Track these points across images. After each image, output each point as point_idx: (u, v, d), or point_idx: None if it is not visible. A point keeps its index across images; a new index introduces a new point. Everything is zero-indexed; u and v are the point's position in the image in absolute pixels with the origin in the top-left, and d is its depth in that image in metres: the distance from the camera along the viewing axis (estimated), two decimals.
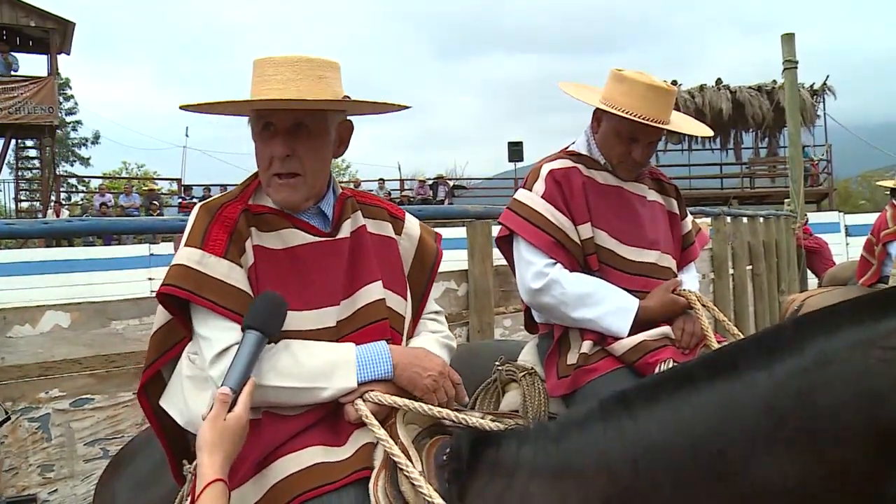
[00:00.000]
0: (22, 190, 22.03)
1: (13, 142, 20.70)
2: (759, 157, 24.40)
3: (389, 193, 22.10)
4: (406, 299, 1.88)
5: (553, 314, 2.34)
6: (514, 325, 4.44)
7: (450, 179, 25.00)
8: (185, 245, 1.69)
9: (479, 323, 4.18)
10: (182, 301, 1.67)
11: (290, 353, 1.64)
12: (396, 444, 1.55)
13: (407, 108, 1.84)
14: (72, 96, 34.34)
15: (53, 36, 19.37)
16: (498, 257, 4.19)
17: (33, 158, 21.98)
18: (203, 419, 1.48)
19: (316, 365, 1.64)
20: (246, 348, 1.54)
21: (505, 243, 2.48)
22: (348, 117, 1.84)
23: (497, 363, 2.38)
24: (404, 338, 1.84)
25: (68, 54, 20.94)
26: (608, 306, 2.25)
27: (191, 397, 1.71)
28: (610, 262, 2.33)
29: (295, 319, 1.67)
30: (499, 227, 2.52)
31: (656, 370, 2.14)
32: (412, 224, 1.99)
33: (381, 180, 23.33)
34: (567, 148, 2.49)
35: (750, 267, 8.52)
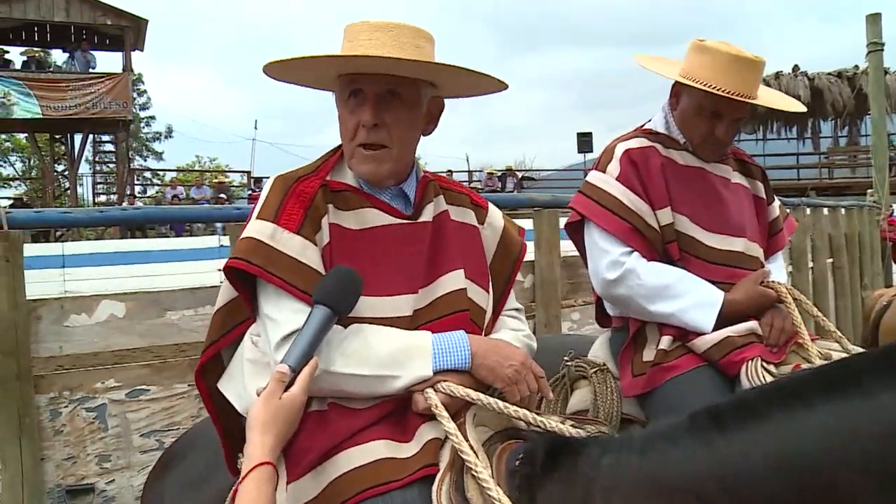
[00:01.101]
0: (98, 183, 22.68)
1: (90, 137, 21.32)
2: (839, 147, 23.48)
3: None
4: (488, 292, 1.75)
5: (629, 307, 2.14)
6: (583, 318, 4.29)
7: (518, 171, 24.82)
8: (258, 218, 1.58)
9: (545, 316, 4.04)
10: (249, 277, 1.56)
11: (362, 338, 1.52)
12: (465, 442, 1.41)
13: (506, 86, 1.70)
14: (145, 91, 35.24)
15: (128, 33, 19.84)
16: (566, 248, 4.08)
17: (109, 153, 22.60)
18: (258, 395, 1.37)
19: (389, 351, 1.51)
20: (312, 325, 1.42)
21: (575, 230, 2.28)
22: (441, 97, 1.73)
23: (565, 358, 2.19)
24: (483, 333, 1.70)
25: (142, 51, 21.46)
26: (690, 299, 2.05)
27: (251, 382, 1.59)
28: (692, 251, 2.12)
29: (369, 305, 1.55)
30: (567, 216, 2.34)
31: (742, 370, 1.94)
32: (495, 214, 1.86)
33: (449, 171, 23.21)
34: (643, 126, 2.29)
35: (831, 260, 8.13)
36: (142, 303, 3.06)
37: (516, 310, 1.87)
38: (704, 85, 2.04)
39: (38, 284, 11.98)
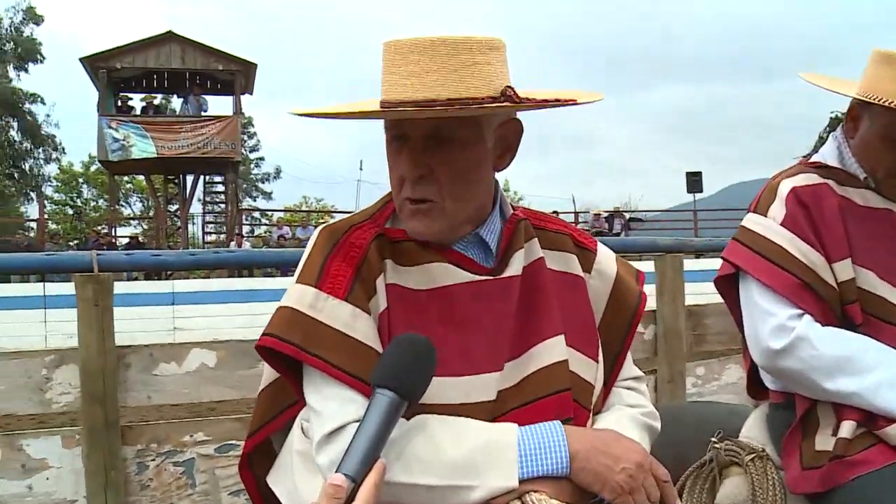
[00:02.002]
0: (208, 223, 23.49)
1: (202, 178, 22.14)
2: None
3: None
4: (597, 361, 1.38)
5: (800, 383, 1.73)
6: (707, 373, 3.92)
7: (625, 212, 24.29)
8: (297, 281, 1.29)
9: (668, 372, 3.67)
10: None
11: (427, 435, 1.19)
12: None
13: (599, 98, 1.34)
14: (254, 134, 36.67)
15: (238, 78, 20.61)
16: (691, 292, 3.74)
17: (220, 193, 23.39)
18: None
19: (463, 454, 1.18)
20: (373, 417, 1.08)
21: (728, 285, 1.88)
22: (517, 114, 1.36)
23: (713, 439, 1.81)
24: (591, 414, 1.35)
25: (251, 94, 22.21)
26: (880, 375, 1.62)
27: (301, 479, 1.32)
28: (880, 314, 1.70)
29: (439, 389, 1.21)
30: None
31: None
32: (606, 257, 1.48)
33: (556, 213, 22.78)
34: (809, 158, 1.91)
35: None
36: (233, 352, 2.90)
37: (635, 379, 1.50)
38: None
39: (149, 321, 12.57)
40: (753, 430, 1.90)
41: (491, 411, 1.24)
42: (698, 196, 22.93)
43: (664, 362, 3.65)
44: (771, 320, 1.70)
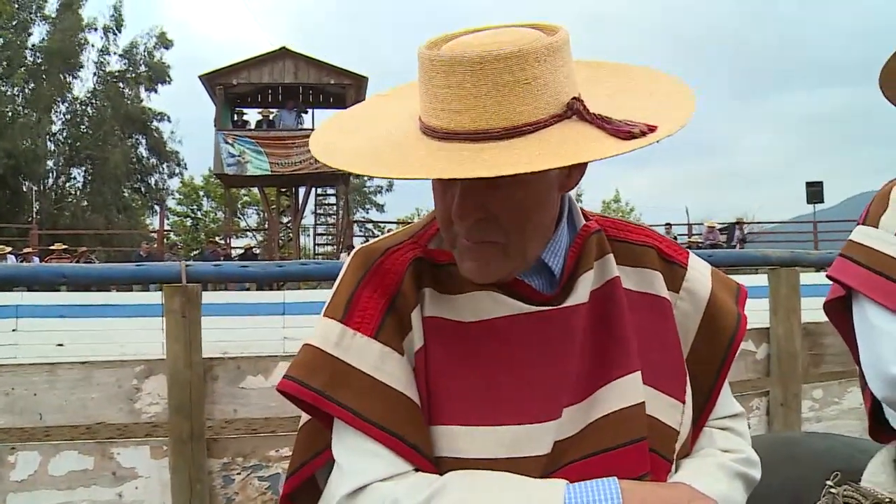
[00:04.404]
0: (320, 234, 24.02)
1: (314, 190, 22.64)
2: None
3: (675, 238, 21.12)
4: (683, 401, 1.14)
5: None
6: (827, 396, 3.62)
7: (744, 224, 23.34)
8: (324, 314, 1.11)
9: (782, 394, 3.42)
10: None
11: (457, 497, 0.99)
12: None
13: (688, 116, 1.01)
14: None
15: (349, 91, 20.94)
16: (808, 307, 3.44)
17: (332, 205, 23.89)
18: None
19: None
20: None
21: (838, 309, 1.63)
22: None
23: (829, 483, 1.57)
24: (673, 465, 1.12)
25: None
26: None
27: None
28: None
29: (483, 442, 1.03)
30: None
31: None
32: (700, 274, 1.23)
33: (668, 225, 22.06)
34: None
35: None
36: None
37: (732, 417, 1.26)
38: None
39: (262, 330, 12.86)
40: (878, 475, 1.63)
41: (545, 466, 1.03)
42: (819, 207, 21.84)
43: (777, 384, 3.42)
44: (892, 344, 1.45)
